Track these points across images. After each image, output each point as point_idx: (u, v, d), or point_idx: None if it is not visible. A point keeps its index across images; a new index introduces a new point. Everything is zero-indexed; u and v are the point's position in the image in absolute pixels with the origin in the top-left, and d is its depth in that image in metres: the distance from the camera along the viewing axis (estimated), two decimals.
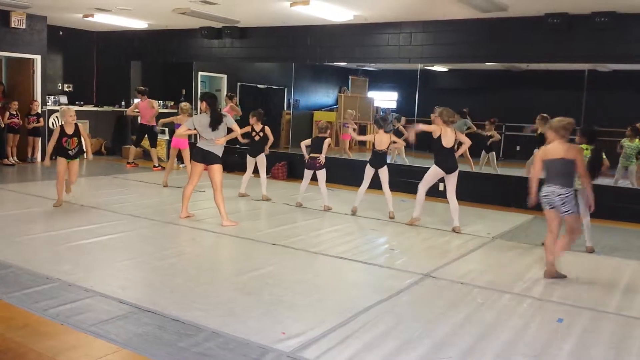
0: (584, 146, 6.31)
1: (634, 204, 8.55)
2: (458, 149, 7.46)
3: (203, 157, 7.06)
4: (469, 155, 10.92)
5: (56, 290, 4.41)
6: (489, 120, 11.35)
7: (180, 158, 10.54)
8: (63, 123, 7.63)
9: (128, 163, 12.25)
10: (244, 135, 8.29)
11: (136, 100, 12.66)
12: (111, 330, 3.73)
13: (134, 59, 14.08)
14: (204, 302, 4.31)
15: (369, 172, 7.99)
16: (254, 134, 8.86)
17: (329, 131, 8.41)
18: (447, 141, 7.21)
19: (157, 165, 11.96)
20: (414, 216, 7.58)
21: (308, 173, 8.39)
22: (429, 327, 4.06)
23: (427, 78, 10.96)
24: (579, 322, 4.33)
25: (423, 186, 7.47)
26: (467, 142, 7.46)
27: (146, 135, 11.99)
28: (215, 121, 6.98)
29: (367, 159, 8.13)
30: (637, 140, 9.07)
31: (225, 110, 10.61)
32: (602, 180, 9.34)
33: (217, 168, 7.06)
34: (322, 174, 8.29)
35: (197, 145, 7.16)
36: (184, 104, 10.20)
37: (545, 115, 8.14)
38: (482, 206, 9.17)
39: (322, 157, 8.15)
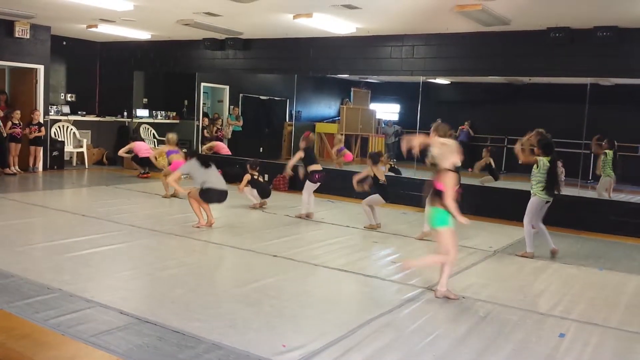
0: (544, 158, 6.48)
1: (637, 219, 8.52)
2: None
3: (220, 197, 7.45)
4: None
5: (57, 301, 4.40)
6: (485, 148, 11.34)
7: None
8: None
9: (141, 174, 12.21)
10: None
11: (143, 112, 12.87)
12: (111, 341, 3.71)
13: (137, 69, 14.12)
14: (205, 314, 4.30)
15: (378, 202, 7.90)
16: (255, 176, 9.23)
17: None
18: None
19: (143, 173, 12.07)
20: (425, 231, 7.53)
21: (313, 186, 8.42)
22: (430, 340, 4.04)
23: (429, 90, 10.98)
24: (580, 337, 4.31)
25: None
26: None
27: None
28: (204, 162, 7.48)
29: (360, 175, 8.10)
30: (608, 151, 9.35)
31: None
32: (604, 194, 9.41)
33: None
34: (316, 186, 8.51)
35: (211, 189, 7.36)
36: (171, 136, 10.13)
37: (540, 130, 8.19)
38: (483, 219, 9.14)
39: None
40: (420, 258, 5.75)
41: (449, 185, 4.72)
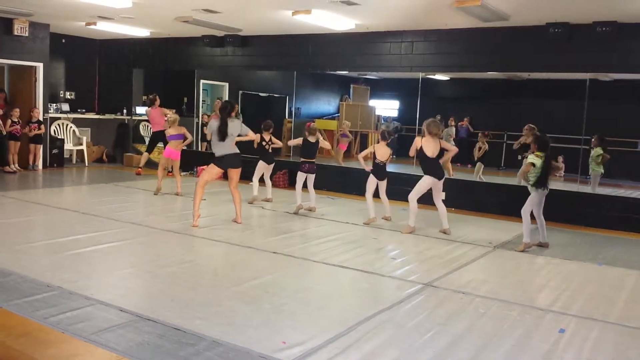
0: (538, 153, 6.55)
1: (636, 214, 8.52)
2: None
3: (224, 163, 7.36)
4: (449, 165, 11.04)
5: (57, 299, 4.40)
6: (482, 132, 11.37)
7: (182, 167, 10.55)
8: None
9: (139, 169, 12.15)
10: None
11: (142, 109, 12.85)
12: (111, 338, 3.72)
13: (136, 66, 14.12)
14: (205, 311, 4.30)
15: (373, 183, 8.06)
16: (264, 143, 9.22)
17: (317, 133, 8.71)
18: (431, 151, 7.38)
19: (141, 168, 12.05)
20: (411, 225, 7.64)
21: (302, 176, 8.57)
22: (430, 337, 4.05)
23: (429, 87, 10.97)
24: (580, 332, 4.32)
25: (415, 196, 7.60)
26: (452, 150, 7.69)
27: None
28: (222, 133, 7.18)
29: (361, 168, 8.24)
30: (595, 148, 9.41)
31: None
32: (603, 190, 9.41)
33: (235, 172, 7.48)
34: (313, 178, 8.66)
35: (220, 156, 7.33)
36: (170, 116, 10.08)
37: (533, 125, 8.26)
38: (482, 215, 9.17)
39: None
40: None
41: None
